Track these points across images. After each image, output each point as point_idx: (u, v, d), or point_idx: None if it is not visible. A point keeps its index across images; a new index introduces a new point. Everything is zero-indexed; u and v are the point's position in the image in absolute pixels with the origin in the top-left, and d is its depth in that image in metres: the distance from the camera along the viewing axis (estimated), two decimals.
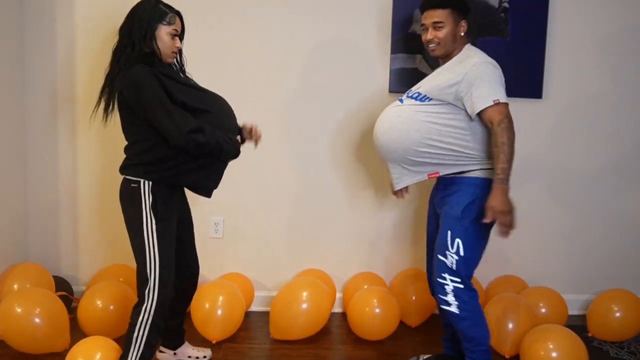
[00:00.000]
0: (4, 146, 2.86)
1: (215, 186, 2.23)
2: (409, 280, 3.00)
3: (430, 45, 2.29)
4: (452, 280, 2.19)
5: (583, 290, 3.24)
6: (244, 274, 3.11)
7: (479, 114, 2.14)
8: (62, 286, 2.98)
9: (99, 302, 2.61)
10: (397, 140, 2.23)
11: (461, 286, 2.19)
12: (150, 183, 2.10)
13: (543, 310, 2.87)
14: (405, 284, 2.99)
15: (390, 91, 3.04)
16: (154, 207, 2.10)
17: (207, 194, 2.24)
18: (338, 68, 3.04)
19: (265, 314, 3.07)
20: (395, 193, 2.46)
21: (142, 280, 2.12)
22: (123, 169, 2.16)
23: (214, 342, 2.66)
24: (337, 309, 3.11)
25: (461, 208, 2.18)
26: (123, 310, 2.63)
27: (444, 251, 2.20)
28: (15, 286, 2.74)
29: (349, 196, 3.14)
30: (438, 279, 2.21)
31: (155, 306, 2.10)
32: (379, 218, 3.16)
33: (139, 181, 2.10)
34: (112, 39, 2.95)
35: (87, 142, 3.05)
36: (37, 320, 2.43)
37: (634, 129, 3.16)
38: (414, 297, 2.95)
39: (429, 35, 2.28)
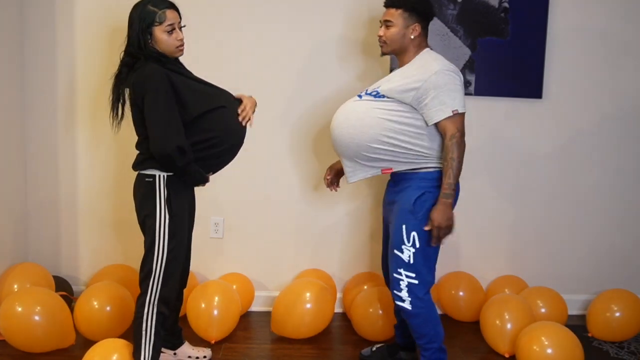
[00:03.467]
0: (4, 146, 2.86)
1: (215, 172, 2.28)
2: None
3: (379, 42, 2.32)
4: (407, 276, 2.21)
5: (583, 290, 3.23)
6: (244, 274, 3.11)
7: (436, 123, 2.17)
8: (62, 286, 2.98)
9: (95, 303, 2.60)
10: (352, 135, 2.23)
11: (415, 282, 2.21)
12: (165, 177, 2.12)
13: (543, 310, 2.87)
14: None
15: None
16: (168, 202, 2.12)
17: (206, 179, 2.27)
18: (337, 68, 3.04)
19: (266, 314, 3.07)
20: (329, 185, 2.57)
21: (145, 270, 2.14)
22: (137, 165, 2.18)
23: (212, 342, 2.66)
24: (337, 309, 3.11)
25: (412, 201, 2.20)
26: (120, 310, 2.63)
27: (400, 246, 2.22)
28: (15, 286, 2.74)
29: (350, 196, 3.13)
30: (394, 274, 2.24)
31: (159, 297, 2.13)
32: (379, 218, 3.15)
33: (154, 175, 2.12)
34: (112, 38, 2.97)
35: (87, 142, 3.05)
36: (37, 318, 2.43)
37: (634, 128, 3.16)
38: None
39: (379, 32, 2.31)
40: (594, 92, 3.12)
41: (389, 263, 2.30)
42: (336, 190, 2.62)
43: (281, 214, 3.13)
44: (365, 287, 2.95)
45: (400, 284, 2.22)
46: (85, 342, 2.58)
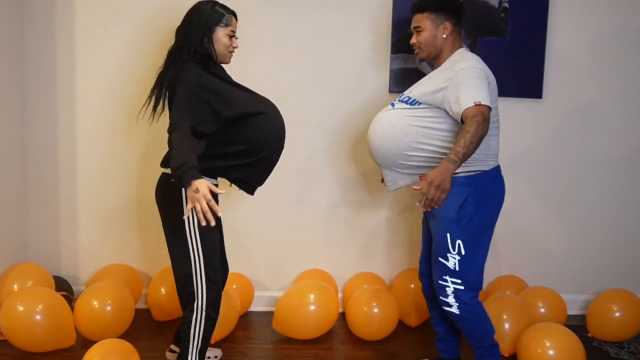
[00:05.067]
0: (4, 146, 2.86)
1: (260, 184, 2.27)
2: (408, 280, 3.00)
3: (414, 49, 2.34)
4: (453, 282, 2.20)
5: (583, 290, 3.24)
6: (244, 274, 3.11)
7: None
8: (62, 286, 2.98)
9: (95, 303, 2.60)
10: (387, 145, 2.24)
11: (461, 287, 2.20)
12: None
13: (542, 310, 2.86)
14: (405, 284, 2.99)
15: (390, 91, 3.04)
16: None
17: (251, 191, 2.26)
18: (337, 68, 3.04)
19: (266, 314, 3.08)
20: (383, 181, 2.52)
21: (184, 276, 2.09)
22: (166, 162, 2.14)
23: (212, 342, 2.66)
24: (339, 309, 3.11)
25: (455, 209, 2.17)
26: (120, 311, 2.64)
27: (445, 254, 2.20)
28: (15, 286, 2.74)
29: (349, 196, 3.13)
30: (439, 281, 2.23)
31: (207, 301, 2.09)
32: (379, 218, 3.16)
33: None
34: (113, 37, 2.97)
35: (87, 141, 3.05)
36: (38, 318, 2.44)
37: (634, 129, 3.16)
38: (414, 297, 2.95)
39: (412, 39, 2.32)
40: (594, 92, 3.12)
41: (432, 270, 2.27)
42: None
43: (281, 214, 3.13)
44: (365, 286, 2.96)
45: (446, 290, 2.21)
46: (85, 342, 2.59)
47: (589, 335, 2.88)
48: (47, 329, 2.46)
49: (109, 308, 2.61)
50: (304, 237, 3.15)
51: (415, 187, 2.09)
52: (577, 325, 2.89)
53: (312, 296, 2.72)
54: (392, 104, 2.30)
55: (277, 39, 3.01)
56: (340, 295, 3.14)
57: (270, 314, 3.02)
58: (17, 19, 2.92)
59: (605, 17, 3.07)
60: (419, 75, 3.01)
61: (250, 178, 2.23)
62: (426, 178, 2.03)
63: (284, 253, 3.16)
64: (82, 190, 3.08)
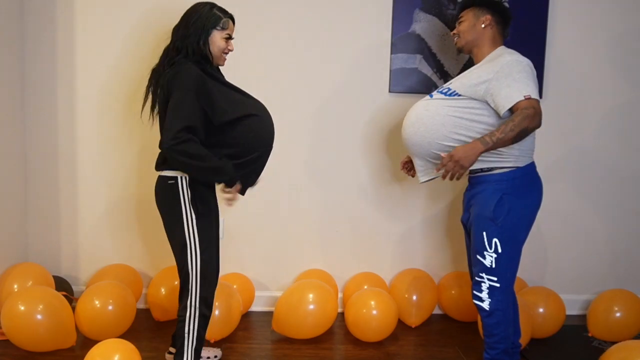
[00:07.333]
0: (4, 146, 2.87)
1: (251, 185, 2.26)
2: (409, 280, 3.00)
3: (454, 38, 2.38)
4: (489, 279, 2.21)
5: (583, 290, 3.24)
6: (244, 274, 3.11)
7: (510, 109, 2.12)
8: (62, 286, 2.98)
9: (97, 302, 2.61)
10: (423, 133, 2.24)
11: (497, 285, 2.20)
12: (188, 178, 2.11)
13: (540, 310, 2.86)
14: (406, 284, 3.00)
15: (390, 91, 3.04)
16: (193, 202, 2.11)
17: (242, 191, 2.25)
18: (338, 68, 3.04)
19: (266, 314, 3.08)
20: (403, 168, 2.55)
21: (184, 275, 2.15)
22: (159, 165, 2.16)
23: (212, 342, 2.66)
24: (338, 309, 3.11)
25: (492, 208, 2.17)
26: (121, 310, 2.63)
27: (482, 252, 2.21)
28: (15, 286, 2.74)
29: (350, 196, 3.14)
30: (476, 277, 2.25)
31: (199, 299, 2.13)
32: (379, 218, 3.16)
33: (176, 177, 2.11)
34: (112, 37, 2.97)
35: (87, 142, 3.05)
36: (40, 317, 2.44)
37: (634, 129, 3.17)
38: (414, 297, 2.95)
39: (454, 30, 2.38)
40: (594, 92, 3.13)
41: (472, 266, 2.29)
42: (412, 176, 2.55)
43: (281, 214, 3.13)
44: (366, 287, 2.96)
45: (481, 286, 2.22)
46: (86, 342, 2.59)
47: (589, 335, 2.88)
48: (48, 329, 2.46)
49: (110, 308, 2.61)
50: (304, 237, 3.15)
51: (443, 153, 2.15)
52: (577, 325, 2.89)
53: (310, 295, 2.72)
54: (430, 95, 2.31)
55: (278, 39, 3.01)
56: (340, 295, 3.15)
57: (270, 313, 3.03)
58: (17, 19, 2.92)
59: (605, 17, 3.07)
60: (419, 75, 3.01)
61: (240, 180, 2.22)
62: (452, 152, 2.08)
63: (284, 253, 3.16)
64: (82, 190, 3.08)
